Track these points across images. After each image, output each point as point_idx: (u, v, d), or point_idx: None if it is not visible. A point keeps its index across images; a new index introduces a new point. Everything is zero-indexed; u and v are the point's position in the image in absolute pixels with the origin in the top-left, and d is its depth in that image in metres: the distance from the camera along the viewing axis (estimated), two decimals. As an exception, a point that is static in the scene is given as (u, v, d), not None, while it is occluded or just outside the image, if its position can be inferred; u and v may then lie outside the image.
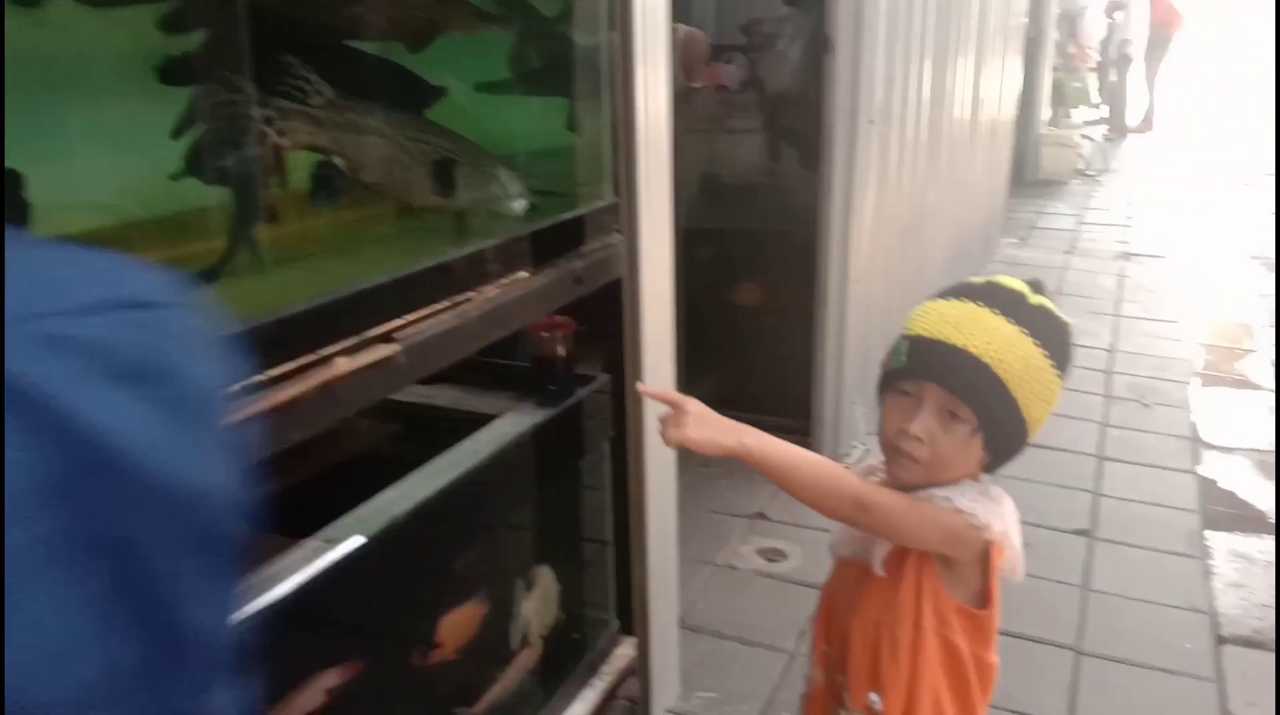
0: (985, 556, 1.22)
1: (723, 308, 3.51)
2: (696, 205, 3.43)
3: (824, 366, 3.16)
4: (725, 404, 3.64)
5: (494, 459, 1.75)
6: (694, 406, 1.21)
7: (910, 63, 3.34)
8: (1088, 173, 8.82)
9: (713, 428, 1.20)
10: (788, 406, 3.39)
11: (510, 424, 1.86)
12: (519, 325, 1.69)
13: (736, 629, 2.48)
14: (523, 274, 1.71)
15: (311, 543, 1.46)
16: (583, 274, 1.84)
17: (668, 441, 1.21)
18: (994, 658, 1.28)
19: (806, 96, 3.00)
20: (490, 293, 1.62)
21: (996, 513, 1.19)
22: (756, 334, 3.49)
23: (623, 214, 1.82)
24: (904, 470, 1.22)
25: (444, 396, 2.04)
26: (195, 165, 1.26)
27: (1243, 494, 3.18)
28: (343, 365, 1.30)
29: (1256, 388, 4.07)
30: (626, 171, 1.79)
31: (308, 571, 1.39)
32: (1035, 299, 1.21)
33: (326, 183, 1.42)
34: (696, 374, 3.59)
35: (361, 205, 1.80)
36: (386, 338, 1.41)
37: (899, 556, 1.25)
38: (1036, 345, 1.16)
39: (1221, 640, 2.45)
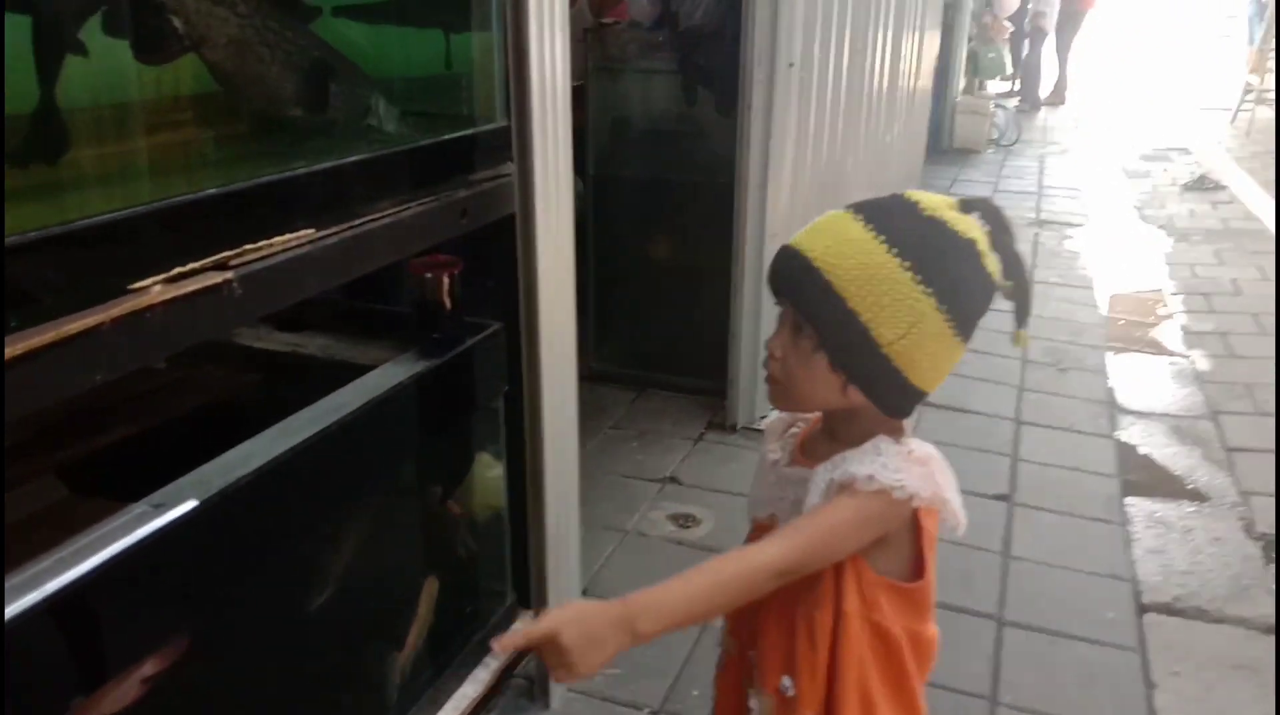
0: (915, 522, 1.06)
1: (635, 262, 3.32)
2: (607, 151, 3.23)
3: (740, 325, 2.99)
4: (637, 365, 3.45)
5: (365, 413, 1.53)
6: (566, 634, 0.92)
7: (831, 11, 3.17)
8: (1001, 143, 8.84)
9: (600, 641, 0.93)
10: (702, 367, 3.24)
11: (387, 375, 1.64)
12: (390, 259, 1.48)
13: (644, 601, 2.31)
14: (395, 201, 1.49)
15: (137, 508, 1.23)
16: (469, 206, 1.63)
17: (559, 681, 1.02)
18: (932, 629, 1.13)
19: (723, 34, 2.82)
20: (355, 220, 1.40)
21: (924, 476, 1.03)
22: (670, 290, 3.31)
23: (515, 141, 1.60)
24: (769, 394, 1.12)
25: (313, 345, 1.81)
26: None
27: (1160, 459, 3.13)
28: (158, 293, 1.07)
29: (1170, 354, 4.05)
30: (519, 93, 1.58)
31: (126, 540, 1.17)
32: (936, 211, 1.01)
33: (151, 34, 1.18)
34: (606, 332, 3.41)
35: (210, 122, 1.56)
36: (221, 265, 1.19)
37: None
38: (893, 253, 0.98)
39: (1143, 608, 2.37)
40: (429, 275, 1.71)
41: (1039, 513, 2.77)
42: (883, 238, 0.99)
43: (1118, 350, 4.06)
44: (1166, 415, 3.46)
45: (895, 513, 1.03)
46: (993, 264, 1.02)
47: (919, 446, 1.07)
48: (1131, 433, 3.31)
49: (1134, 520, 2.76)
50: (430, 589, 1.88)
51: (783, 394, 1.08)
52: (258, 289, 1.20)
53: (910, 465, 1.03)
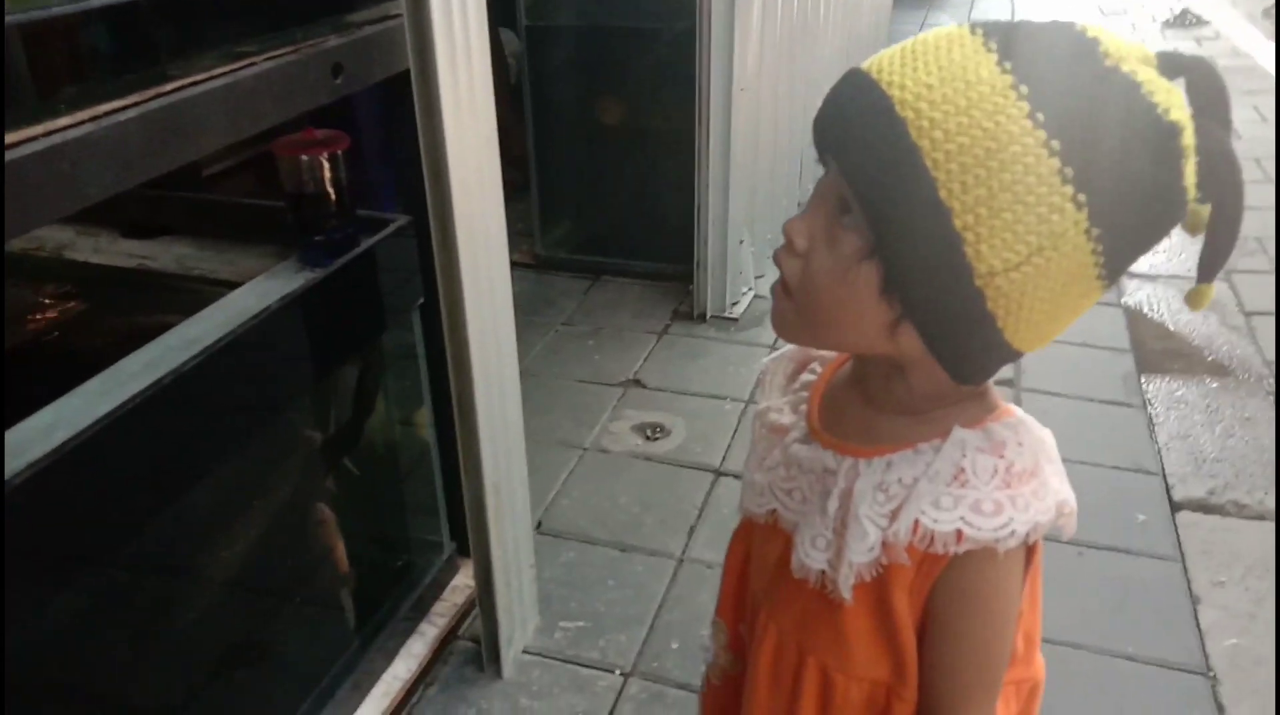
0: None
1: (581, 128, 2.88)
2: (540, -4, 2.75)
3: (707, 197, 2.59)
4: (589, 249, 3.03)
5: (227, 349, 1.14)
6: None
7: None
8: (970, -16, 8.30)
9: None
10: (664, 249, 2.85)
11: (256, 294, 1.25)
12: (229, 139, 1.06)
13: (610, 531, 1.99)
14: (228, 56, 1.06)
15: None
16: (344, 59, 1.20)
17: None
18: (1037, 663, 0.80)
19: None
20: (164, 86, 0.97)
21: (1036, 494, 0.65)
22: (624, 160, 2.88)
23: (405, -34, 1.17)
24: (774, 313, 0.69)
25: (168, 256, 1.40)
26: None
27: (1174, 327, 2.83)
28: None
29: (1172, 207, 3.72)
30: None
31: None
32: (1127, 66, 0.56)
33: None
34: (552, 213, 3.00)
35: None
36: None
37: (878, 589, 0.70)
38: (1038, 122, 0.55)
39: (1176, 506, 2.09)
40: (304, 158, 1.29)
41: (1051, 398, 2.46)
42: (1026, 90, 0.55)
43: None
44: (1175, 277, 3.14)
45: (1015, 561, 0.68)
46: (1191, 173, 0.56)
47: (1014, 447, 0.66)
48: (1140, 298, 3.00)
49: (1154, 401, 2.47)
50: (324, 517, 1.54)
51: (793, 315, 0.66)
52: (28, 189, 0.79)
53: (1016, 490, 0.64)
